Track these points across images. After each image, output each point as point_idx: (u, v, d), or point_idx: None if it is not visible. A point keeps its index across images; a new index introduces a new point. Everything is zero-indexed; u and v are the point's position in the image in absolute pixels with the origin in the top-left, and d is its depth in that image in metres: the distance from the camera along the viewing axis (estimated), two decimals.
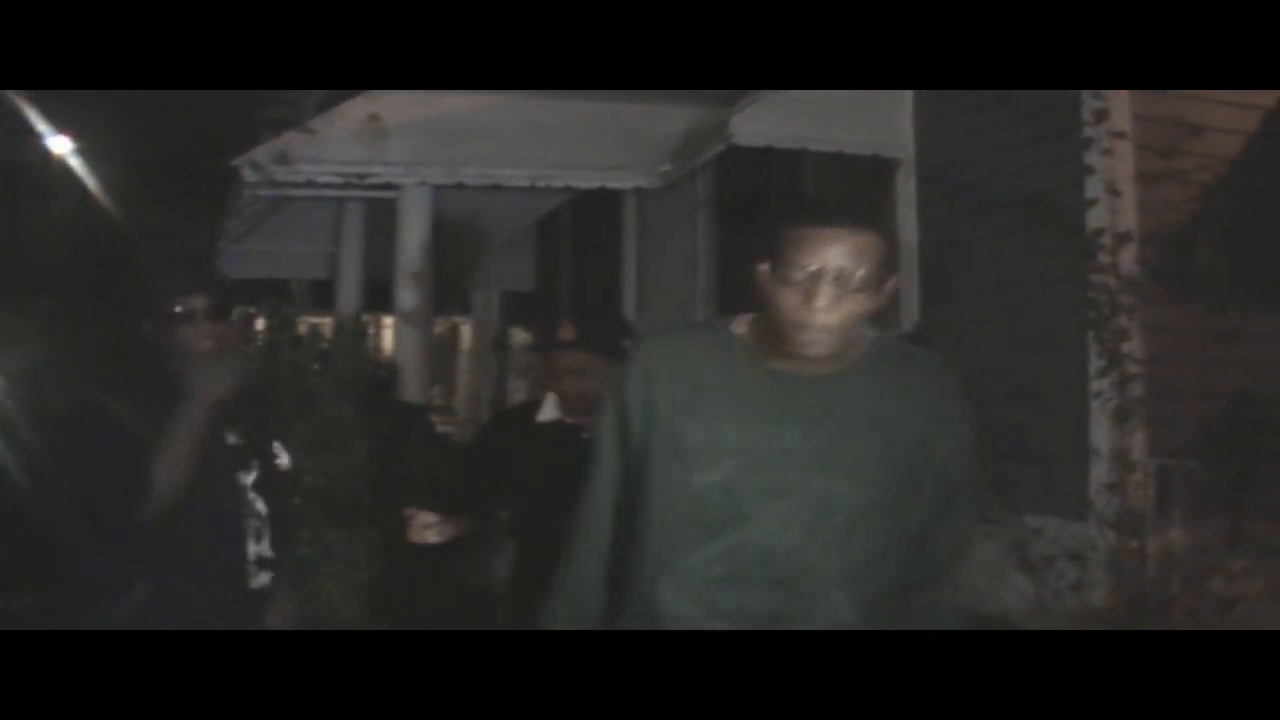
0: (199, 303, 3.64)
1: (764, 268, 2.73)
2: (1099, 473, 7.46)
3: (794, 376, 2.71)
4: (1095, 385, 7.43)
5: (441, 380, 12.92)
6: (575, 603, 2.88)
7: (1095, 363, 7.42)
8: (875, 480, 2.68)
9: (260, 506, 3.77)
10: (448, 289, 12.54)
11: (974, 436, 2.88)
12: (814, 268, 2.63)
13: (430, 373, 11.57)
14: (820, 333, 2.65)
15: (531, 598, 3.06)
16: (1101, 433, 7.48)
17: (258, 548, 3.73)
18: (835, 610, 2.65)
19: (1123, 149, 7.53)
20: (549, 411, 4.67)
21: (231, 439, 3.76)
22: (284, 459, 3.93)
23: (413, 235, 10.98)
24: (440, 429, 10.63)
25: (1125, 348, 7.28)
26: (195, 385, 3.52)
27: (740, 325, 2.83)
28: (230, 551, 3.67)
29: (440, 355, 12.52)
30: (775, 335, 2.72)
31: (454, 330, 15.52)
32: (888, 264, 2.71)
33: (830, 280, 2.62)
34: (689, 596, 2.64)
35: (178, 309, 3.61)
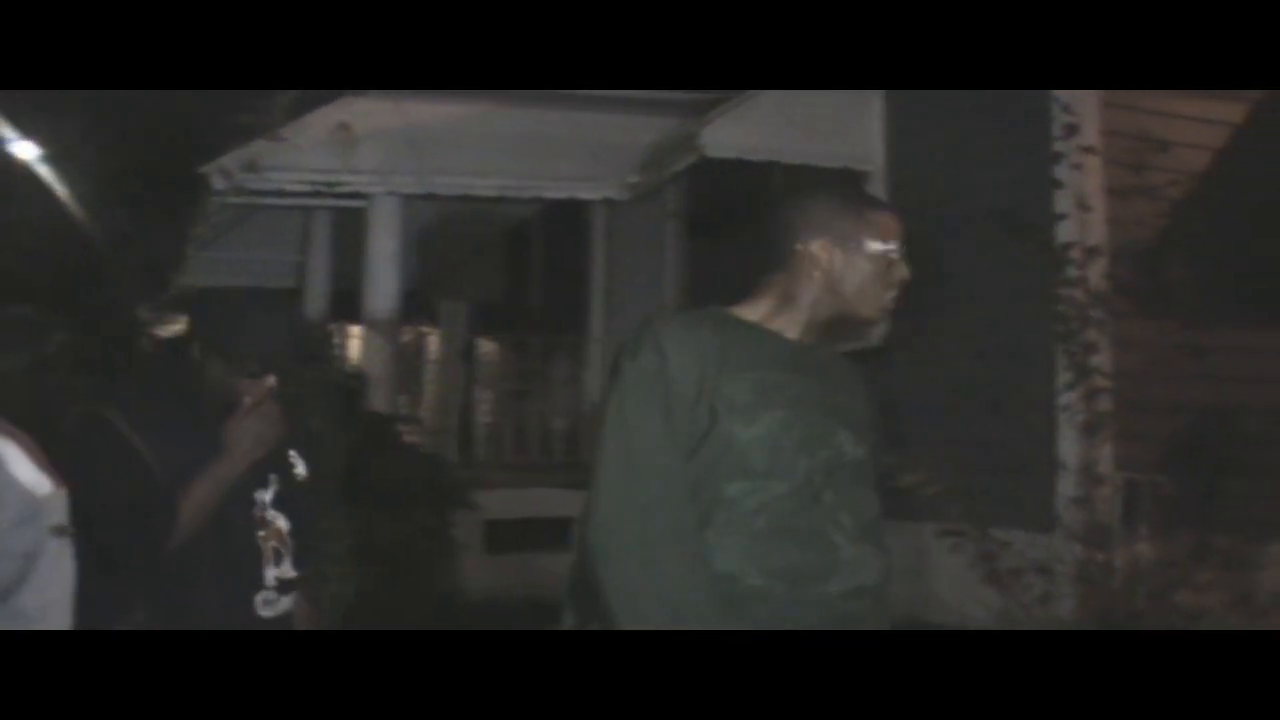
0: (255, 356, 3.43)
1: (820, 243, 2.83)
2: (1067, 486, 7.49)
3: (798, 343, 2.84)
4: (1063, 399, 7.45)
5: (408, 390, 12.85)
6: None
7: (1063, 376, 7.44)
8: (863, 438, 2.81)
9: (281, 524, 3.54)
10: (415, 298, 12.50)
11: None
12: (895, 247, 2.84)
13: (397, 382, 11.54)
14: (886, 308, 2.88)
15: None
16: (1069, 446, 7.51)
17: (278, 570, 3.50)
18: (861, 564, 2.72)
19: (1092, 164, 7.58)
20: None
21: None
22: (301, 468, 3.68)
23: (381, 244, 10.97)
24: (407, 439, 10.58)
25: (1094, 361, 7.30)
26: (237, 441, 3.36)
27: (745, 311, 2.89)
28: (237, 580, 3.41)
29: (407, 365, 12.47)
30: (814, 311, 2.85)
31: (421, 340, 15.47)
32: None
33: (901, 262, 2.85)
34: (734, 550, 2.66)
35: (233, 356, 3.40)
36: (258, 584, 3.45)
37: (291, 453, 3.64)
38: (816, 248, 2.82)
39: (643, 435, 2.70)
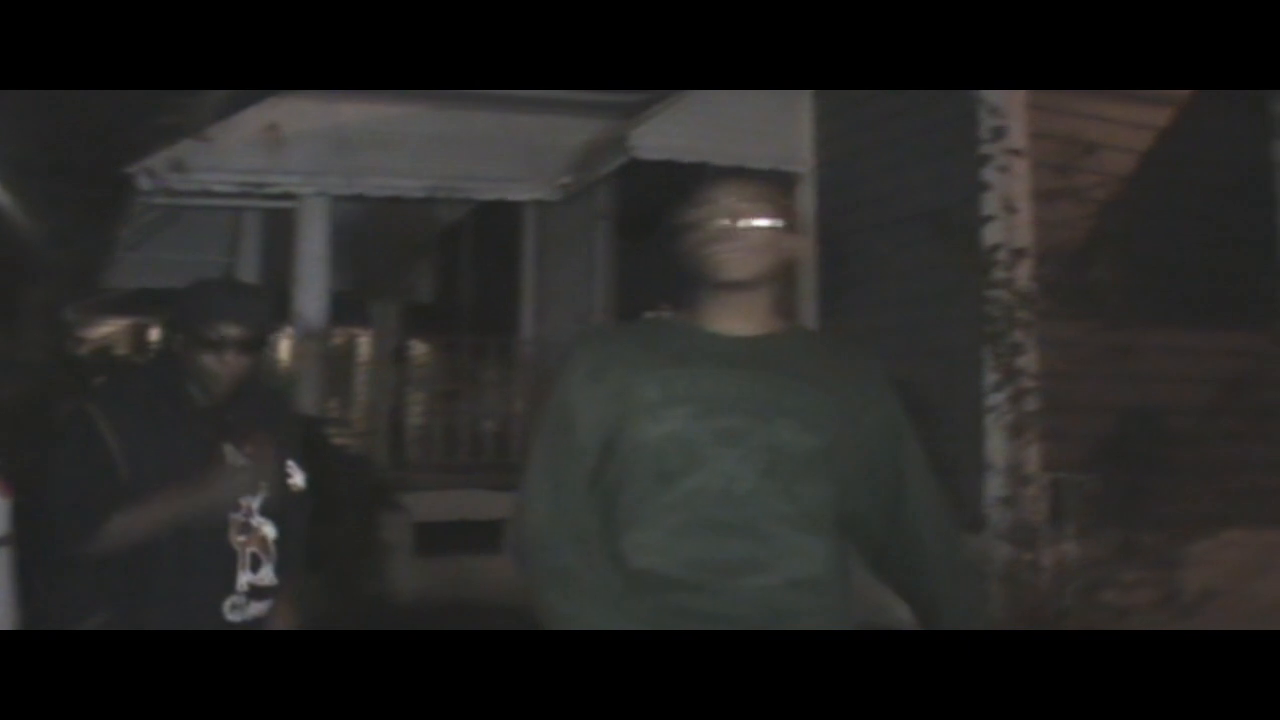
0: (233, 331, 3.44)
1: (686, 239, 2.89)
2: (994, 486, 7.53)
3: (732, 336, 2.85)
4: (990, 399, 7.50)
5: (338, 393, 12.80)
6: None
7: (990, 377, 7.49)
8: (817, 427, 2.79)
9: (268, 531, 3.55)
10: (346, 300, 12.44)
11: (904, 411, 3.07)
12: (744, 214, 2.84)
13: (328, 384, 11.48)
14: (755, 270, 2.83)
15: None
16: (996, 446, 7.55)
17: (253, 577, 3.49)
18: (804, 555, 2.75)
19: (1019, 166, 7.62)
20: None
21: (239, 460, 3.54)
22: (298, 478, 3.71)
23: (311, 245, 10.91)
24: (336, 441, 10.53)
25: (1020, 362, 7.37)
26: (215, 488, 3.39)
27: (681, 313, 2.95)
28: (205, 585, 3.42)
29: (338, 367, 12.41)
30: (708, 294, 2.88)
31: (352, 342, 15.40)
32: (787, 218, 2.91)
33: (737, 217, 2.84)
34: (652, 546, 2.70)
35: (212, 334, 3.42)
36: (229, 588, 3.44)
37: (290, 463, 3.65)
38: (686, 245, 2.88)
39: (547, 449, 2.82)
